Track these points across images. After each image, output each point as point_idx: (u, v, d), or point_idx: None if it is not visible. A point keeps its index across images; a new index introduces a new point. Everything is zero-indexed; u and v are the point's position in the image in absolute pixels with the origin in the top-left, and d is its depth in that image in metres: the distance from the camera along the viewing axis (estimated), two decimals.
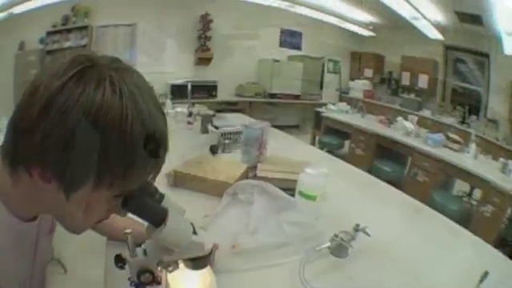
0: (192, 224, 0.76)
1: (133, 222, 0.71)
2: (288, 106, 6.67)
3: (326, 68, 6.98)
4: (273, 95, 6.48)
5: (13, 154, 0.55)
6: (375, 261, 1.10)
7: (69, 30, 5.14)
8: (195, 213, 1.28)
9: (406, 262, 1.10)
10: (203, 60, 6.25)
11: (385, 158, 4.32)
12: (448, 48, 5.22)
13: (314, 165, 1.39)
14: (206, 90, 6.00)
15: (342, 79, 7.14)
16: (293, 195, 1.35)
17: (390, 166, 4.18)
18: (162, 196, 0.74)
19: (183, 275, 0.85)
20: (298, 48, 6.98)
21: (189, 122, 2.93)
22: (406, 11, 4.89)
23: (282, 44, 6.87)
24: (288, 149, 2.23)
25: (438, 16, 4.83)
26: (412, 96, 5.57)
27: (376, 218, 1.26)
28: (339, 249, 1.07)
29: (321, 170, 1.32)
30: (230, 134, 2.28)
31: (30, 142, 0.51)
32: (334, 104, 5.71)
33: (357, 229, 1.09)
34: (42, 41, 4.88)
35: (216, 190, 1.47)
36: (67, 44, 5.10)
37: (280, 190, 1.33)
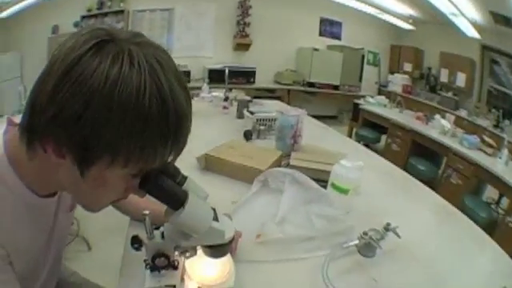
0: (214, 210, 0.72)
1: (154, 203, 0.67)
2: (326, 96, 6.50)
3: (365, 59, 6.75)
4: (311, 84, 6.34)
5: (29, 130, 0.53)
6: (402, 264, 1.02)
7: (104, 14, 5.20)
8: (223, 198, 1.26)
9: (433, 269, 1.01)
10: (242, 46, 6.20)
11: (420, 156, 4.16)
12: (484, 48, 4.89)
13: (349, 157, 1.31)
14: (245, 75, 5.96)
15: (381, 72, 6.89)
16: (325, 187, 1.28)
17: (424, 165, 4.02)
18: (184, 178, 0.70)
19: (201, 262, 0.81)
20: (338, 38, 6.79)
21: (224, 107, 2.88)
22: (444, 6, 4.64)
23: (322, 33, 6.70)
24: (324, 139, 2.15)
25: (475, 15, 4.54)
26: (450, 94, 5.29)
27: (407, 217, 1.19)
28: (367, 248, 1.00)
29: (356, 163, 1.24)
30: (266, 120, 2.22)
31: (45, 115, 0.49)
32: (372, 97, 5.52)
33: (387, 228, 1.01)
34: (76, 25, 4.98)
35: (247, 176, 1.42)
36: None
37: (312, 181, 1.26)
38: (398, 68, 6.54)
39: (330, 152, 1.74)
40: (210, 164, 1.55)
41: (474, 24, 4.70)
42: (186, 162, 1.66)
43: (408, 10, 5.78)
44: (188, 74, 5.61)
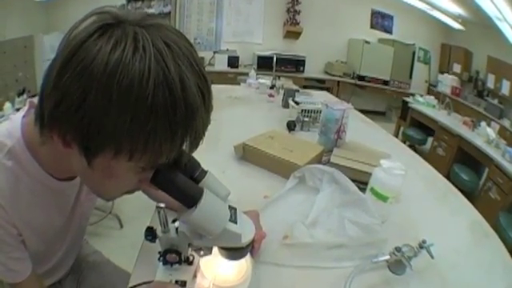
0: (235, 209, 0.65)
1: None
2: (376, 91, 6.23)
3: (416, 56, 6.39)
4: (361, 77, 6.10)
5: (39, 116, 0.52)
6: (430, 287, 0.90)
7: None
8: (256, 191, 1.21)
9: None
10: (292, 34, 6.06)
11: (464, 164, 3.94)
12: None
13: (394, 158, 1.19)
14: (294, 64, 5.84)
15: (431, 71, 6.51)
16: (364, 190, 1.17)
17: (468, 174, 3.78)
18: (203, 173, 0.63)
19: (217, 261, 0.75)
20: (389, 32, 6.47)
21: (270, 95, 2.81)
22: (490, 10, 4.27)
23: (373, 25, 6.41)
24: (369, 136, 2.01)
25: None
26: (495, 101, 4.90)
27: (443, 234, 1.06)
28: (398, 265, 0.90)
29: (399, 169, 1.12)
30: (311, 111, 2.11)
31: (50, 103, 0.48)
32: (421, 96, 5.29)
33: (422, 246, 0.89)
34: (122, 8, 5.01)
35: (284, 170, 1.35)
36: (150, 11, 5.07)
37: (351, 183, 1.16)
38: (448, 68, 6.15)
39: (375, 151, 1.61)
40: (247, 154, 1.49)
41: None
42: (223, 150, 1.63)
43: (457, 9, 5.40)
44: (237, 59, 5.63)
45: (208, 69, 5.40)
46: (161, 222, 0.65)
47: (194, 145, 0.54)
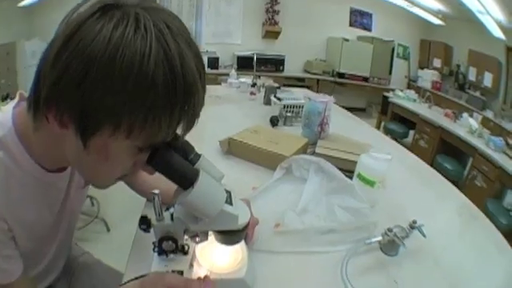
0: (229, 192, 0.65)
1: (166, 182, 0.62)
2: (356, 88, 6.32)
3: (395, 52, 6.51)
4: (341, 75, 6.18)
5: (34, 99, 0.52)
6: (423, 267, 0.92)
7: None
8: (244, 183, 1.21)
9: (455, 276, 0.90)
10: (271, 33, 6.09)
11: (447, 155, 4.05)
12: (510, 50, 4.57)
13: (377, 149, 1.22)
14: (273, 63, 5.87)
15: (410, 66, 6.64)
16: (351, 178, 1.19)
17: (451, 164, 3.89)
18: (197, 156, 0.63)
19: (212, 248, 0.75)
20: (369, 29, 6.56)
21: (252, 93, 2.81)
22: (471, 3, 4.39)
23: (352, 23, 6.49)
24: (351, 130, 2.03)
25: (500, 15, 4.24)
26: (477, 94, 5.03)
27: (432, 217, 1.09)
28: (390, 246, 0.92)
29: (384, 155, 1.16)
30: (293, 106, 2.14)
31: (47, 82, 0.48)
32: (401, 90, 5.42)
33: (413, 226, 0.91)
34: None
35: (270, 162, 1.36)
36: None
37: (338, 170, 1.18)
38: (428, 63, 6.27)
39: (358, 143, 1.64)
40: (233, 148, 1.50)
41: (499, 24, 4.43)
42: (208, 146, 1.63)
43: (437, 5, 5.53)
44: (217, 60, 5.60)
45: None
46: (155, 209, 0.65)
47: (190, 124, 0.55)
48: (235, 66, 5.08)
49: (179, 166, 0.58)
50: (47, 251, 0.88)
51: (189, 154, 0.62)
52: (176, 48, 0.48)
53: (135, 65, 0.45)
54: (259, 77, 3.48)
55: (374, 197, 1.14)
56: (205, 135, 1.64)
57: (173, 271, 0.69)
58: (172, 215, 0.66)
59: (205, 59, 5.03)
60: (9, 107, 0.64)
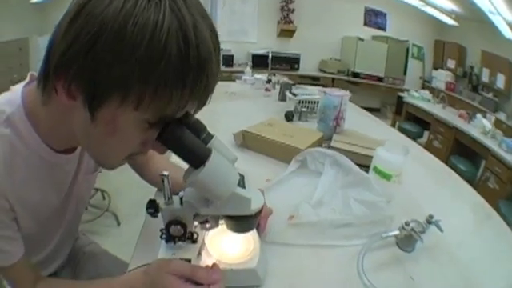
0: (242, 176, 0.62)
1: (175, 167, 0.59)
2: (370, 88, 6.23)
3: (410, 53, 6.40)
4: (356, 74, 6.12)
5: (44, 73, 0.52)
6: (440, 264, 0.87)
7: None
8: (257, 176, 1.13)
9: (471, 274, 0.85)
10: (286, 32, 6.04)
11: (461, 156, 3.99)
12: None
13: (394, 144, 1.17)
14: (289, 62, 5.84)
15: (425, 67, 6.52)
16: (366, 172, 1.14)
17: (465, 165, 3.83)
18: (210, 136, 0.60)
19: (223, 237, 0.72)
20: (383, 29, 6.45)
21: (267, 89, 2.79)
22: (483, 4, 4.27)
23: (367, 23, 6.40)
24: (367, 127, 1.96)
25: (510, 16, 4.13)
26: (490, 95, 4.91)
27: (447, 214, 1.01)
28: (407, 241, 0.87)
29: (401, 148, 1.12)
30: (308, 102, 2.09)
31: (57, 51, 0.47)
32: (416, 91, 5.36)
33: (429, 221, 0.87)
34: None
35: (285, 155, 1.32)
36: None
37: (354, 165, 1.14)
38: (442, 64, 6.16)
39: (373, 139, 1.59)
40: (247, 141, 1.47)
41: (510, 25, 4.32)
42: (221, 139, 1.57)
43: (450, 5, 5.40)
44: (231, 58, 5.59)
45: None
46: (164, 192, 0.62)
47: (203, 100, 0.53)
48: (250, 63, 5.06)
49: (190, 142, 0.54)
50: (52, 237, 0.86)
51: (201, 134, 0.58)
52: (190, 19, 0.46)
53: (147, 32, 0.43)
54: (274, 74, 3.45)
55: (390, 191, 1.09)
56: (219, 128, 1.60)
57: (180, 259, 0.66)
58: (181, 199, 0.63)
59: None
60: (19, 86, 0.63)
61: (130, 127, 0.51)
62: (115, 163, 0.59)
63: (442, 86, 5.68)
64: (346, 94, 1.70)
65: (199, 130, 0.58)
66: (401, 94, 5.41)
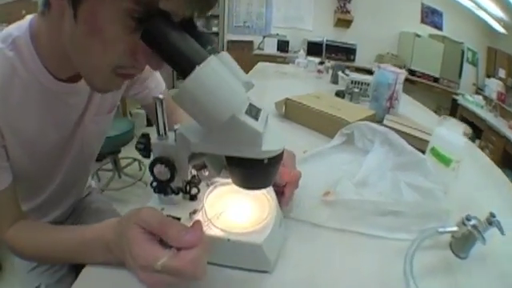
0: (259, 110, 0.44)
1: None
2: (425, 88, 5.81)
3: (465, 57, 5.91)
4: (412, 72, 5.75)
5: None
6: (494, 277, 0.64)
7: None
8: (295, 146, 0.88)
9: None
10: (342, 22, 5.78)
11: (510, 170, 3.63)
12: None
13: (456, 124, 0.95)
14: (344, 52, 5.57)
15: (478, 73, 6.01)
16: None
17: None
18: (215, 50, 0.43)
19: (228, 200, 0.55)
20: (440, 28, 5.99)
21: (319, 71, 2.63)
22: None
23: (424, 20, 5.98)
24: (422, 118, 1.70)
25: None
26: None
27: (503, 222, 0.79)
28: (464, 241, 0.65)
29: (463, 131, 0.90)
30: (361, 83, 1.92)
31: None
32: (470, 95, 5.09)
33: (490, 221, 0.63)
34: None
35: (330, 127, 1.13)
36: None
37: (408, 145, 0.92)
38: (494, 72, 5.66)
39: (430, 127, 1.36)
40: (289, 110, 1.32)
41: None
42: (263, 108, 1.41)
43: (499, 12, 4.99)
44: (287, 44, 5.47)
45: (257, 52, 5.37)
46: (158, 123, 0.46)
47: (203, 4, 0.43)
48: (305, 47, 4.89)
49: (180, 42, 0.38)
50: (50, 180, 0.80)
51: (205, 46, 0.42)
52: None
53: None
54: (329, 61, 3.28)
55: (447, 181, 0.87)
56: (263, 99, 1.50)
57: (168, 216, 0.50)
58: (175, 131, 0.46)
59: (274, 42, 5.01)
60: (30, 16, 0.61)
61: (111, 24, 0.42)
62: (103, 77, 0.50)
63: (494, 96, 5.28)
64: (401, 71, 1.48)
65: (204, 41, 0.42)
66: (455, 96, 5.20)
